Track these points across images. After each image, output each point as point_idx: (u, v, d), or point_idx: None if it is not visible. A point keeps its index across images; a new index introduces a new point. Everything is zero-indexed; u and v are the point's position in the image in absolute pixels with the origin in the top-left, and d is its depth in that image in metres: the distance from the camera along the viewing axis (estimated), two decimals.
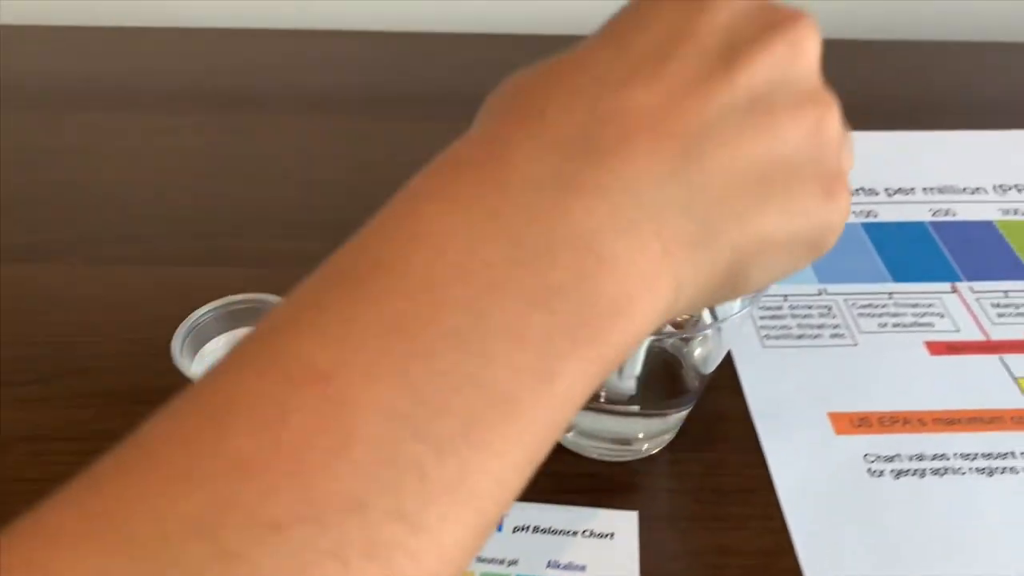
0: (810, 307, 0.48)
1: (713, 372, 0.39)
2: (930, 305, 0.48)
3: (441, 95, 0.64)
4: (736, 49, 0.24)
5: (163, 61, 0.68)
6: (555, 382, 0.21)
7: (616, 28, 0.26)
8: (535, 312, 0.21)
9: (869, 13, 0.74)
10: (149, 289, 0.48)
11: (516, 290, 0.21)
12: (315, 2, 0.73)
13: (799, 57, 0.25)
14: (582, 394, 0.22)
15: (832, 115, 0.26)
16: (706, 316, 0.43)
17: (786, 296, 0.48)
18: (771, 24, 0.25)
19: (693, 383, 0.40)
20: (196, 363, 0.39)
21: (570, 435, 0.40)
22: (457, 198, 0.22)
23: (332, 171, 0.57)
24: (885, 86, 0.66)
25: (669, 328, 0.43)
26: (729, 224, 0.24)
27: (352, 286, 0.21)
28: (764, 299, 0.48)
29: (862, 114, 0.65)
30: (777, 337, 0.46)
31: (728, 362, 0.44)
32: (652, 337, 0.41)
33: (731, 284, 0.25)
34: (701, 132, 0.23)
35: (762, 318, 0.47)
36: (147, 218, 0.53)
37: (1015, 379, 0.44)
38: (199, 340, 0.39)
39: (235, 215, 0.53)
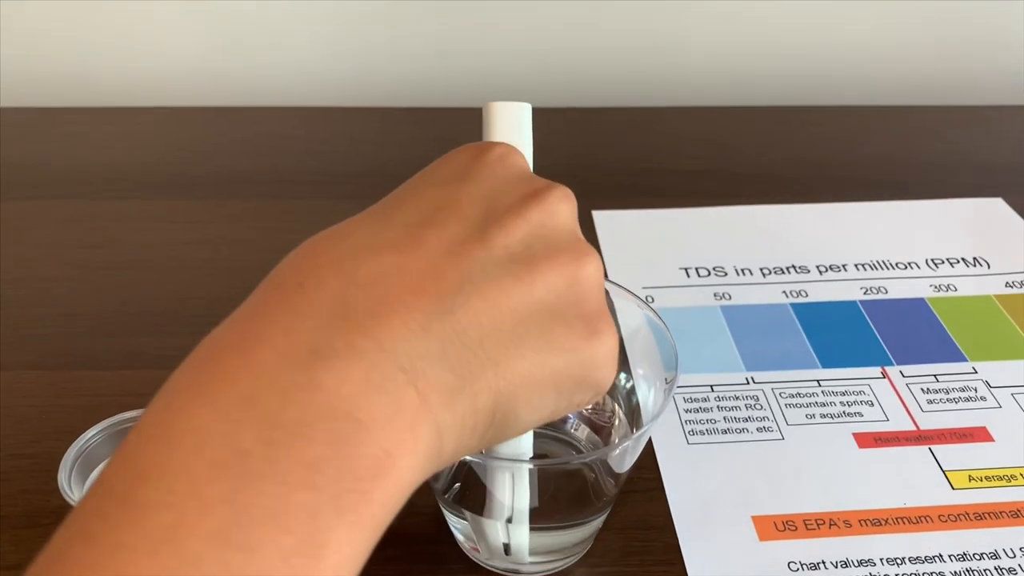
0: (737, 397, 0.46)
1: (632, 472, 0.37)
2: (859, 392, 0.47)
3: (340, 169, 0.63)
4: (495, 215, 0.27)
5: (78, 143, 0.67)
6: (325, 556, 0.21)
7: (388, 202, 0.29)
8: (296, 492, 0.21)
9: (800, 79, 0.74)
10: (50, 396, 0.46)
11: (275, 474, 0.21)
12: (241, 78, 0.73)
13: (554, 218, 0.28)
14: (357, 556, 0.22)
15: (591, 263, 0.28)
16: (620, 415, 0.42)
17: (712, 387, 0.47)
18: (528, 194, 0.28)
19: (610, 489, 0.38)
20: (87, 491, 0.37)
21: (465, 541, 0.38)
22: (210, 390, 0.22)
23: (252, 257, 0.55)
24: (816, 154, 0.66)
25: (586, 440, 0.42)
26: (486, 368, 0.25)
27: (119, 506, 0.20)
28: (690, 390, 0.47)
29: (795, 185, 0.66)
30: (703, 432, 0.44)
31: (650, 457, 0.43)
32: (568, 460, 0.40)
33: (499, 425, 0.26)
34: (457, 288, 0.25)
35: (687, 411, 0.45)
36: (51, 317, 0.51)
37: (944, 472, 0.42)
38: (89, 464, 0.37)
39: (151, 310, 0.51)
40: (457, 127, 0.73)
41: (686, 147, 0.67)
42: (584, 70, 0.73)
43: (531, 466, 0.33)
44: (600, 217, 0.59)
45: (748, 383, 0.47)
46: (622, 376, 0.41)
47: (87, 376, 0.47)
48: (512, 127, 0.34)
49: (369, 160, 0.64)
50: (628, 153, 0.66)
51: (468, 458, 0.33)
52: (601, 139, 0.67)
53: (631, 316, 0.40)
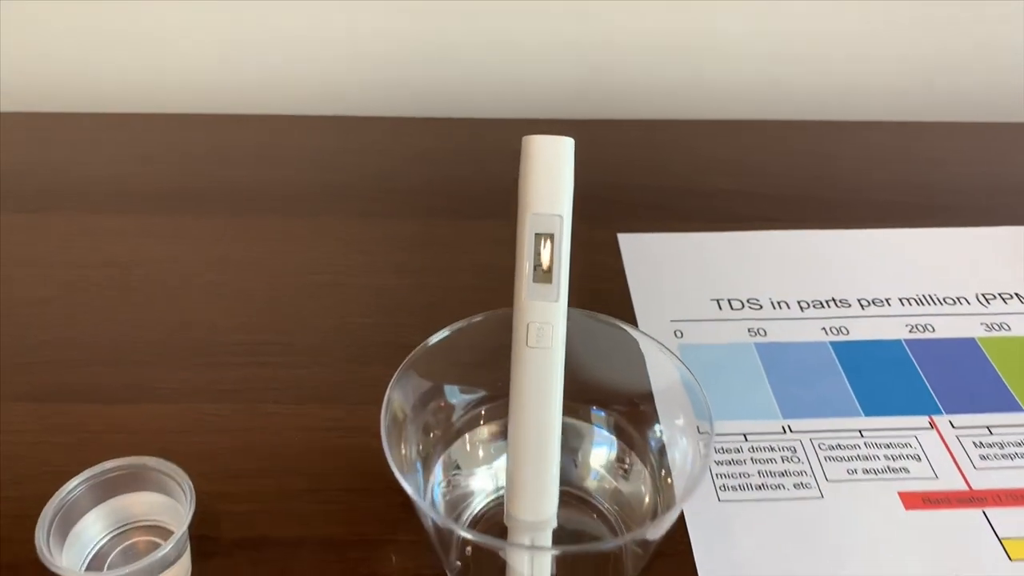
0: (773, 448, 0.43)
1: (660, 537, 0.34)
2: (905, 445, 0.43)
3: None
4: None
5: (79, 151, 0.64)
6: None
7: None
8: None
9: (842, 91, 0.70)
10: (38, 432, 0.43)
11: None
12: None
13: None
14: None
15: None
16: (647, 472, 0.39)
17: (746, 435, 0.44)
18: None
19: (638, 559, 0.35)
20: (67, 548, 0.34)
21: None
22: None
23: (258, 280, 0.52)
24: (858, 174, 0.62)
25: (610, 498, 0.39)
26: None
27: None
28: (722, 439, 0.43)
29: (835, 209, 0.60)
30: (735, 488, 0.41)
31: (678, 518, 0.40)
32: (597, 546, 0.37)
33: None
34: None
35: (719, 463, 0.42)
36: (43, 343, 0.48)
37: (1000, 540, 0.39)
38: (69, 520, 0.35)
39: (150, 337, 0.49)
40: (476, 138, 0.70)
41: (718, 164, 0.63)
42: (606, 80, 0.69)
43: (555, 552, 0.30)
44: (626, 240, 0.55)
45: (785, 432, 0.44)
46: (655, 428, 0.38)
47: (79, 411, 0.44)
48: (552, 164, 0.33)
49: (383, 173, 0.61)
50: (655, 170, 0.62)
51: (485, 540, 0.30)
52: (626, 154, 0.64)
53: (661, 368, 0.37)
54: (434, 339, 0.38)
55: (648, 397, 0.39)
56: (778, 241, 0.56)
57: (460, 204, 0.58)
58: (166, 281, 0.52)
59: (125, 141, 0.65)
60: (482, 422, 0.40)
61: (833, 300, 0.52)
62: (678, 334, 0.49)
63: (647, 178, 0.61)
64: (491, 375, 0.38)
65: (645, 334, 0.39)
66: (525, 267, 0.34)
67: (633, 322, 0.49)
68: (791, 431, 0.44)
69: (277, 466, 0.41)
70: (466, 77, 0.69)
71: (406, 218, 0.57)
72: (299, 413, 0.44)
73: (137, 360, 0.47)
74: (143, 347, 0.48)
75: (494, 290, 0.51)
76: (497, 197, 0.56)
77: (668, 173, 0.62)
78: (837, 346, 0.49)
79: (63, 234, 0.55)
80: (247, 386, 0.46)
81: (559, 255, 0.34)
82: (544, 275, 0.34)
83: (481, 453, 0.40)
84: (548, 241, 0.34)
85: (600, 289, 0.51)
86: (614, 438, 0.39)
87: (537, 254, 0.34)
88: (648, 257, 0.54)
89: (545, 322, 0.34)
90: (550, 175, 0.34)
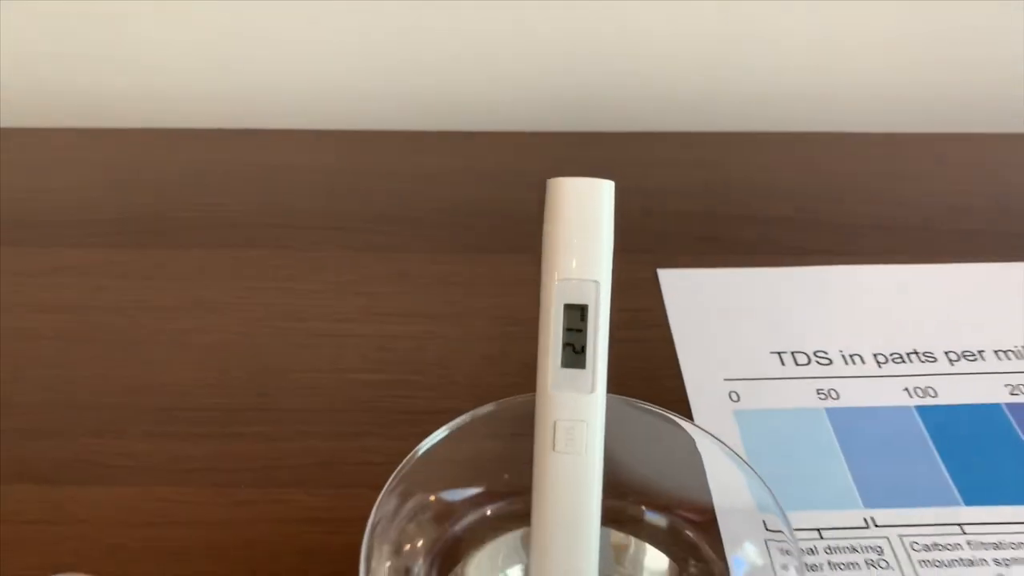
0: (854, 549, 0.35)
1: None
2: (1019, 545, 0.35)
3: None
4: None
5: (36, 172, 0.57)
6: None
7: None
8: None
9: (931, 99, 0.62)
10: None
11: None
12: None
13: None
14: None
15: None
16: None
17: (820, 531, 0.36)
18: None
19: None
20: None
21: None
22: None
23: (236, 331, 0.45)
24: (945, 197, 0.54)
25: None
26: None
27: None
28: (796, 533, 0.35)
29: (916, 239, 0.50)
30: None
31: None
32: None
33: None
34: None
35: (783, 567, 0.34)
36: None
37: None
38: None
39: (103, 401, 0.41)
40: (495, 154, 0.60)
41: (777, 185, 0.55)
42: (643, 87, 0.61)
43: None
44: (667, 278, 0.47)
45: (868, 526, 0.36)
46: (718, 546, 0.31)
47: (15, 493, 0.37)
48: (586, 216, 0.27)
49: (388, 198, 0.53)
50: (701, 192, 0.54)
51: None
52: (666, 173, 0.55)
53: (723, 474, 0.30)
54: (427, 444, 0.30)
55: (708, 510, 0.31)
56: (848, 279, 0.47)
57: (476, 235, 0.50)
58: (128, 329, 0.44)
59: (92, 161, 0.57)
60: (488, 537, 0.32)
61: (916, 353, 0.43)
62: (733, 397, 0.41)
63: (692, 202, 0.53)
64: (502, 482, 0.31)
65: (701, 429, 0.31)
66: (551, 348, 0.27)
67: (678, 380, 0.42)
68: (875, 524, 0.36)
69: (245, 570, 0.34)
70: (484, 85, 0.61)
71: (414, 252, 0.49)
72: (278, 499, 0.37)
73: (86, 429, 0.39)
74: (94, 413, 0.40)
75: (514, 340, 0.45)
76: (519, 227, 0.50)
77: (716, 196, 0.54)
78: (924, 412, 0.41)
79: (12, 271, 0.48)
80: (218, 464, 0.38)
81: (595, 333, 0.26)
82: (576, 358, 0.27)
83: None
84: (581, 314, 0.27)
85: (636, 340, 0.43)
86: (666, 558, 0.32)
87: (567, 331, 0.27)
88: (695, 299, 0.46)
89: (577, 420, 0.27)
90: (584, 230, 0.26)
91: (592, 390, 0.26)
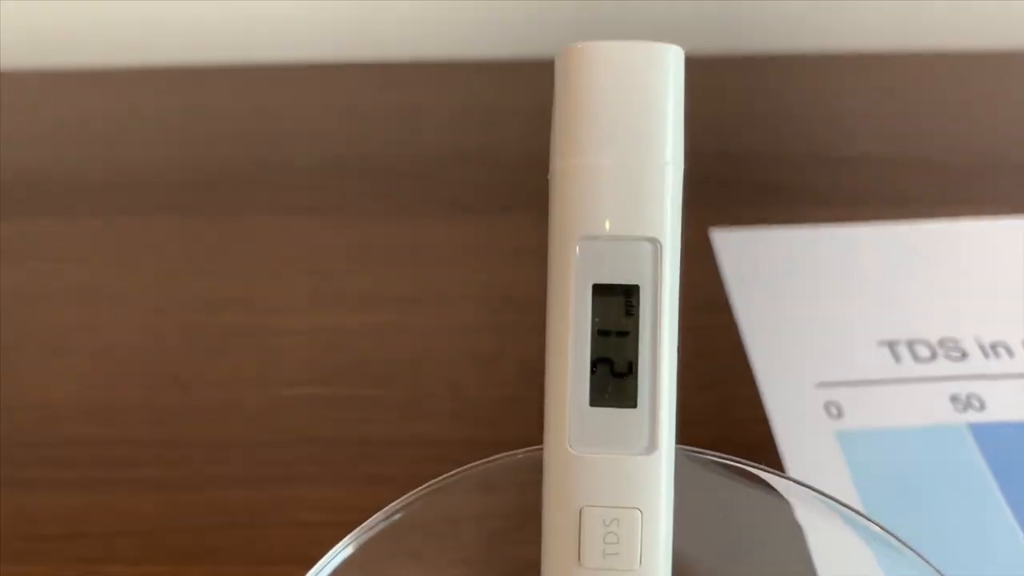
0: None
1: None
2: None
3: None
4: None
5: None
6: None
7: None
8: None
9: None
10: None
11: None
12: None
13: None
14: None
15: None
16: None
17: None
18: None
19: None
20: None
21: None
22: None
23: (124, 321, 0.33)
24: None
25: None
26: None
27: None
28: None
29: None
30: None
31: None
32: None
33: None
34: None
35: None
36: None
37: None
38: None
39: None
40: (483, 86, 0.47)
41: (868, 118, 0.42)
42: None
43: None
44: (724, 241, 0.35)
45: None
46: None
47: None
48: (627, 115, 0.15)
49: (349, 145, 0.41)
50: (770, 129, 0.42)
51: None
52: (725, 107, 0.43)
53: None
54: (372, 529, 0.18)
55: None
56: (975, 238, 0.35)
57: (459, 190, 0.37)
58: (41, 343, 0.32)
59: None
60: None
61: (946, 342, 0.31)
62: (833, 411, 0.28)
63: (758, 141, 0.41)
64: None
65: (806, 487, 0.19)
66: (569, 369, 0.15)
67: (750, 388, 0.29)
68: None
69: None
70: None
71: (377, 216, 0.36)
72: None
73: None
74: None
75: (513, 333, 0.32)
76: (515, 178, 0.38)
77: (790, 133, 0.41)
78: (979, 431, 0.28)
79: None
80: (86, 528, 0.27)
81: (655, 337, 0.14)
82: (619, 387, 0.15)
83: None
84: (626, 304, 0.15)
85: (690, 328, 0.31)
86: None
87: (599, 336, 0.15)
88: (763, 269, 0.34)
89: (626, 506, 0.14)
90: (630, 141, 0.14)
91: (652, 448, 0.14)
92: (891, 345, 0.31)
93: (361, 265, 0.35)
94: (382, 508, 0.19)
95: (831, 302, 0.33)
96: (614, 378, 0.14)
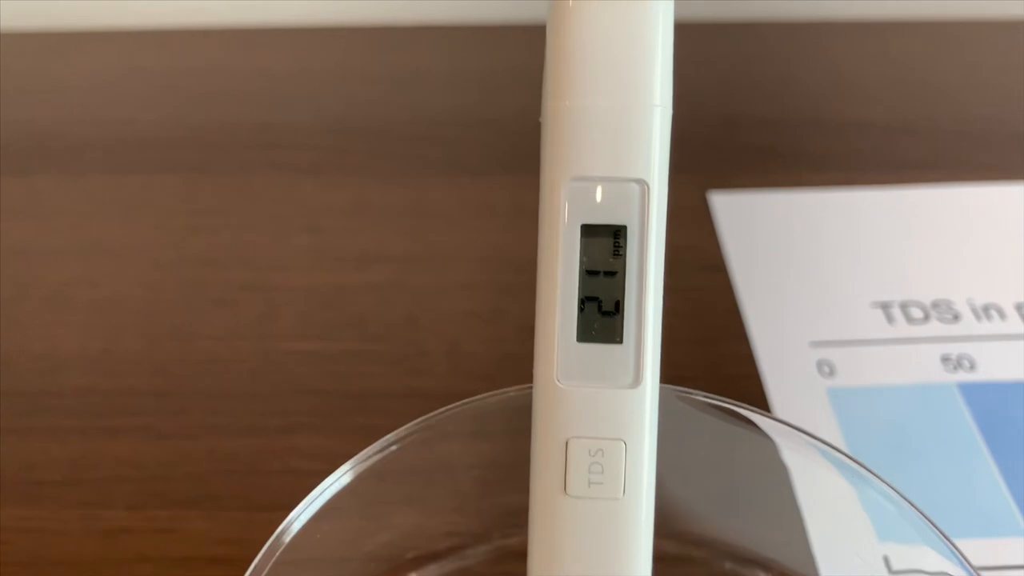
0: None
1: None
2: None
3: None
4: None
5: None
6: None
7: None
8: None
9: None
10: None
11: None
12: None
13: None
14: None
15: None
16: None
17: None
18: None
19: None
20: None
21: None
22: None
23: (125, 278, 0.33)
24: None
25: None
26: None
27: None
28: None
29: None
30: None
31: None
32: None
33: None
34: None
35: None
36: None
37: None
38: None
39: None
40: (485, 50, 0.45)
41: (867, 83, 0.42)
42: None
43: None
44: (723, 203, 0.35)
45: None
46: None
47: None
48: (614, 61, 0.15)
49: (348, 108, 0.41)
50: (769, 93, 0.41)
51: None
52: (723, 71, 0.43)
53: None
54: (368, 459, 0.18)
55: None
56: (972, 202, 0.35)
57: (461, 151, 0.37)
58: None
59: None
60: None
61: (941, 302, 0.31)
62: (825, 369, 0.29)
63: (756, 104, 0.40)
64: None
65: (792, 427, 0.19)
66: (558, 306, 0.15)
67: (745, 346, 0.30)
68: None
69: None
70: None
71: (377, 176, 0.37)
72: (163, 528, 0.25)
73: None
74: None
75: (511, 292, 0.32)
76: (515, 140, 0.37)
77: (788, 97, 0.41)
78: (968, 389, 0.28)
79: None
80: (85, 474, 0.27)
81: (641, 277, 0.15)
82: (606, 324, 0.15)
83: None
84: (614, 245, 0.15)
85: (682, 290, 0.31)
86: None
87: (588, 276, 0.15)
88: (761, 231, 0.34)
89: (611, 437, 0.15)
90: (617, 87, 0.15)
91: (636, 382, 0.15)
92: (885, 306, 0.31)
93: (360, 223, 0.35)
94: None
95: (827, 264, 0.33)
96: (601, 316, 0.15)
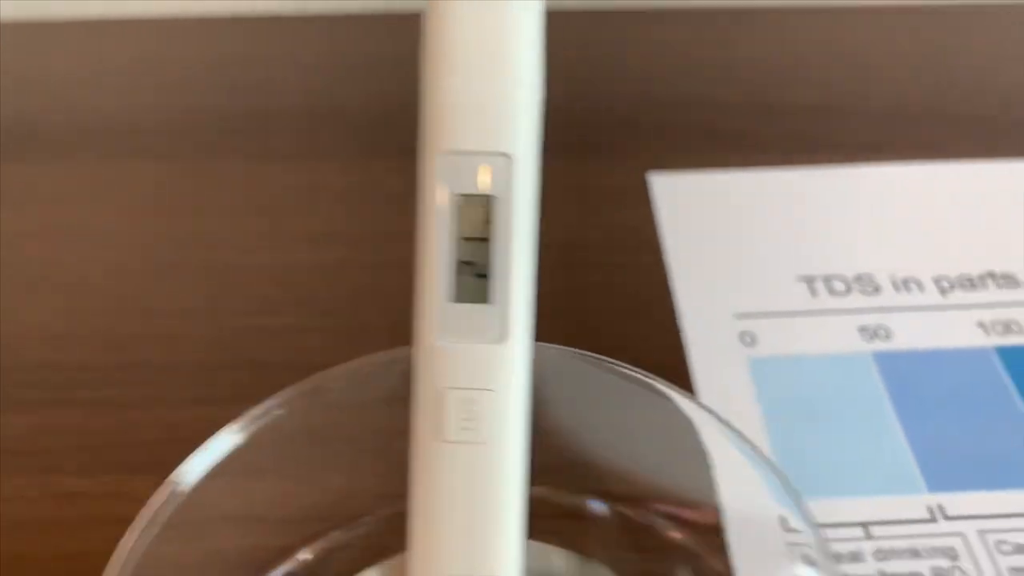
0: (917, 552, 0.25)
1: None
2: None
3: None
4: None
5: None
6: None
7: None
8: None
9: None
10: None
11: None
12: None
13: None
14: None
15: None
16: None
17: (867, 526, 0.25)
18: None
19: None
20: None
21: None
22: None
23: (86, 259, 0.35)
24: (1011, 77, 0.42)
25: None
26: None
27: None
28: (830, 532, 0.25)
29: (976, 131, 0.39)
30: None
31: None
32: None
33: None
34: None
35: None
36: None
37: None
38: None
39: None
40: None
41: (802, 68, 0.43)
42: None
43: None
44: (661, 184, 0.36)
45: (934, 518, 0.25)
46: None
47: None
48: (485, 44, 0.16)
49: (302, 95, 0.42)
50: (708, 77, 0.42)
51: None
52: (663, 55, 0.44)
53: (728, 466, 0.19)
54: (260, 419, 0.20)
55: (698, 506, 0.21)
56: (899, 182, 0.36)
57: (412, 136, 0.39)
58: None
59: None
60: None
61: (992, 275, 0.32)
62: (747, 339, 0.30)
63: (695, 88, 0.41)
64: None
65: (687, 398, 0.21)
66: (434, 270, 0.16)
67: (672, 318, 0.31)
68: (945, 516, 0.26)
69: None
70: None
71: (330, 158, 0.38)
72: (113, 492, 0.27)
73: None
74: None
75: None
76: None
77: (727, 81, 0.42)
78: (1008, 354, 0.30)
79: None
80: (38, 443, 0.28)
81: (508, 242, 0.16)
82: (477, 286, 0.16)
83: None
84: (485, 213, 0.16)
85: (619, 266, 0.33)
86: None
87: (463, 242, 0.16)
88: (695, 209, 0.35)
89: (479, 388, 0.16)
90: (484, 67, 0.16)
91: (504, 338, 0.16)
92: (809, 280, 0.32)
93: (314, 206, 0.37)
94: None
95: (757, 242, 0.34)
96: (474, 278, 0.16)
